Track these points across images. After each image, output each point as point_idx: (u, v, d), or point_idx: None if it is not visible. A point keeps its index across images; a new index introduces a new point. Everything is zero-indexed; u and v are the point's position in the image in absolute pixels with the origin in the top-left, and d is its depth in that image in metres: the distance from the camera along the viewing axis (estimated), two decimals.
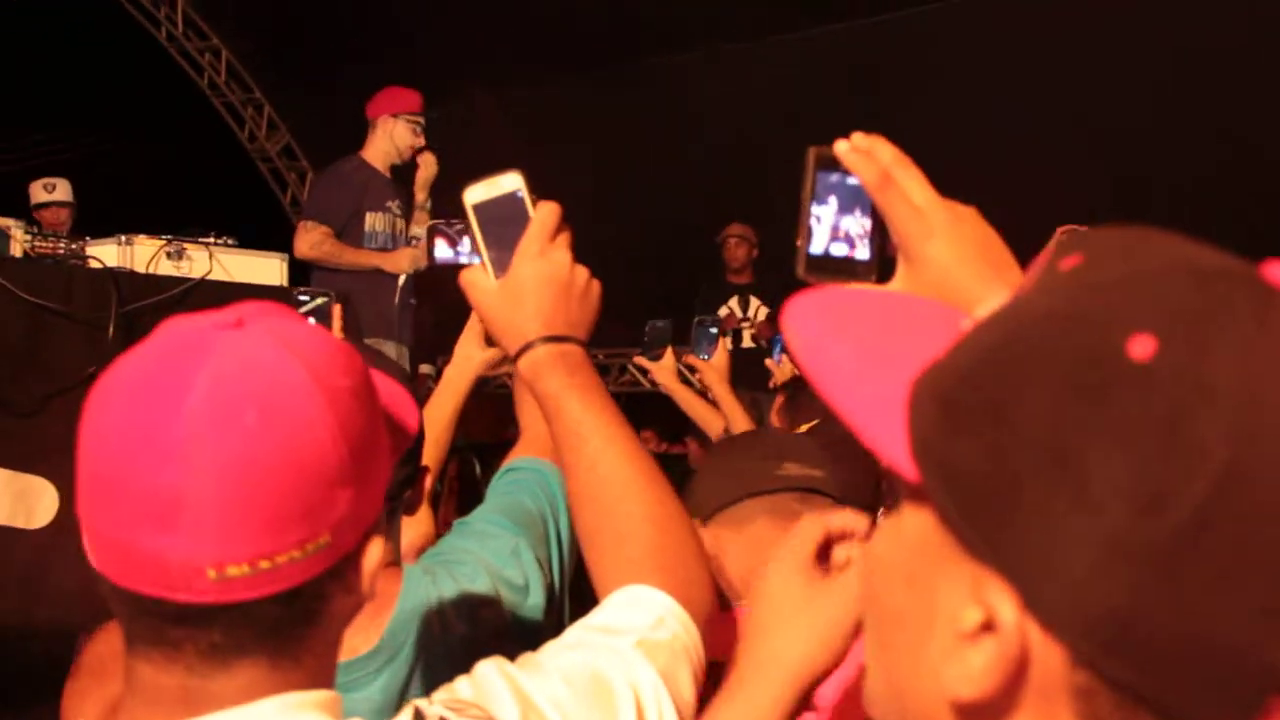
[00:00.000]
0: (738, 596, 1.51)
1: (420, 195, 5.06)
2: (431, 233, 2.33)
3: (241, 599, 0.84)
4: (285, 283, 3.59)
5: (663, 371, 3.70)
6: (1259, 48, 5.58)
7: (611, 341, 7.87)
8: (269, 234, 5.13)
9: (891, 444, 0.58)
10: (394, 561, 1.55)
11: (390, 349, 4.68)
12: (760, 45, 6.70)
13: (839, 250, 0.96)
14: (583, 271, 1.19)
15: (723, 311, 6.50)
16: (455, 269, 1.88)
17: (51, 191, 6.28)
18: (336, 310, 2.29)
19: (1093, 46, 5.95)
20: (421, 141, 4.92)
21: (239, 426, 0.82)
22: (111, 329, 3.02)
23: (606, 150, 7.14)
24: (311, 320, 2.16)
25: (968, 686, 0.55)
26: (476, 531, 1.62)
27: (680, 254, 6.79)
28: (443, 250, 2.23)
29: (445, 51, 7.07)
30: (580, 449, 1.14)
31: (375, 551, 0.92)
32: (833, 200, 0.96)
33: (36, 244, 3.22)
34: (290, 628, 0.88)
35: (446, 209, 4.60)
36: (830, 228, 0.96)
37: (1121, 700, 0.52)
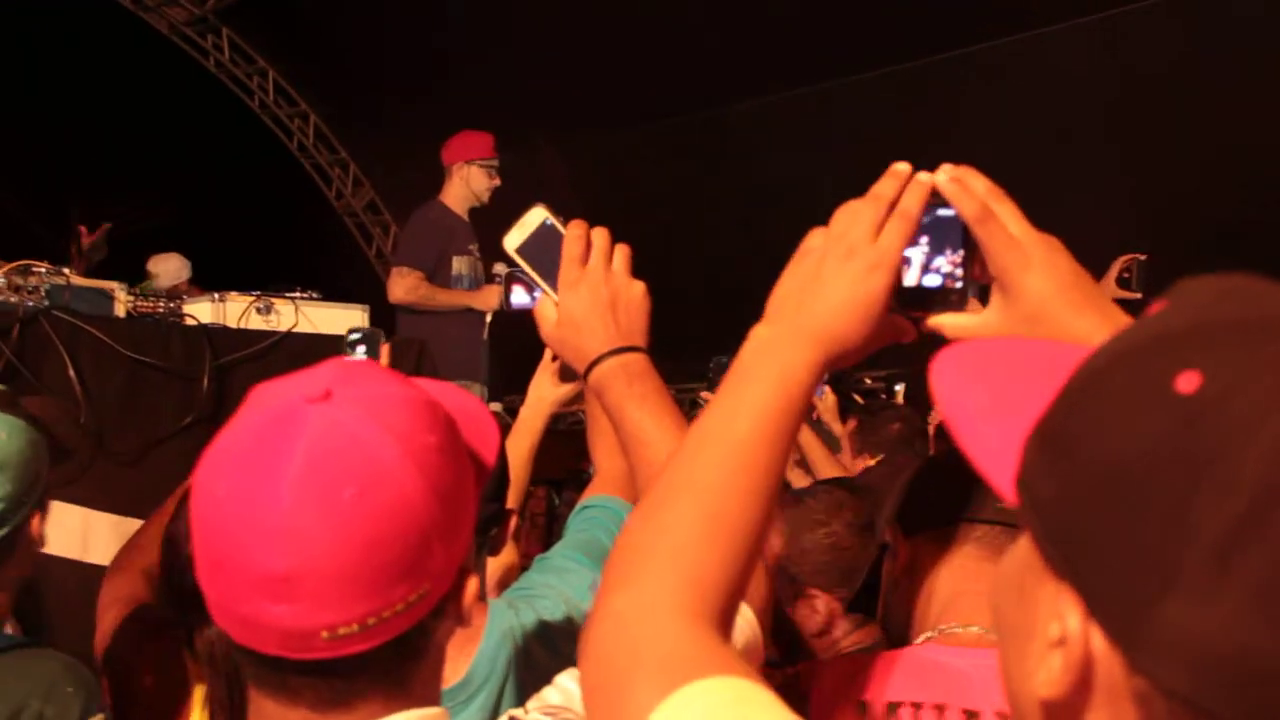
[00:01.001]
0: (938, 621, 1.44)
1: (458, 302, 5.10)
2: (509, 279, 2.45)
3: (354, 652, 0.89)
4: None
5: (828, 411, 3.78)
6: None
7: (679, 378, 7.98)
8: (357, 286, 5.35)
9: (1002, 476, 0.65)
10: (479, 596, 1.64)
11: (475, 390, 4.82)
12: (814, 91, 6.80)
13: (931, 282, 0.99)
14: (622, 280, 1.21)
15: None
16: (531, 314, 2.00)
17: (186, 269, 6.52)
18: (385, 349, 2.40)
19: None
20: (497, 183, 5.02)
21: (339, 504, 0.87)
22: (205, 381, 3.23)
23: (668, 194, 7.28)
24: (361, 351, 2.28)
25: (1047, 688, 0.61)
26: (555, 567, 1.71)
27: (741, 292, 6.86)
28: (519, 296, 2.35)
29: (512, 103, 7.30)
30: (643, 453, 1.15)
31: (473, 585, 0.98)
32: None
33: (138, 304, 3.46)
34: (401, 666, 0.94)
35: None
36: (922, 259, 0.99)
37: (1173, 708, 0.56)
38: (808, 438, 3.68)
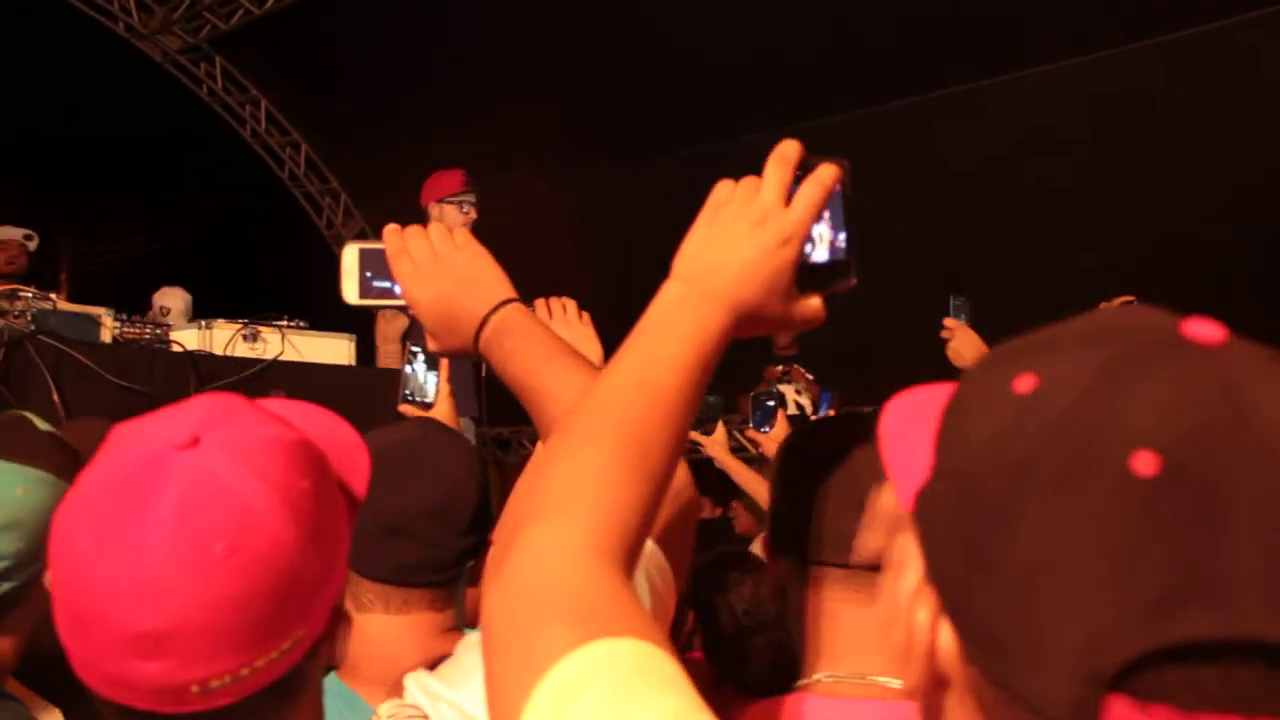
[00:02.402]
0: (808, 668, 1.30)
1: None
2: None
3: (226, 703, 0.87)
4: (353, 361, 3.79)
5: (714, 445, 3.76)
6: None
7: None
8: (345, 315, 5.33)
9: (908, 486, 0.67)
10: (457, 626, 1.62)
11: (466, 424, 4.79)
12: (790, 131, 6.82)
13: (821, 257, 1.00)
14: (446, 248, 1.20)
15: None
16: None
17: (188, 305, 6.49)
18: (445, 389, 2.41)
19: None
20: (473, 216, 5.02)
21: (208, 559, 0.84)
22: None
23: (651, 231, 7.27)
24: (421, 359, 2.27)
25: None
26: None
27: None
28: None
29: (501, 137, 7.32)
30: (532, 406, 1.15)
31: (345, 626, 0.96)
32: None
33: (125, 330, 3.46)
34: (278, 710, 0.92)
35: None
36: (830, 235, 1.01)
37: (999, 695, 0.58)
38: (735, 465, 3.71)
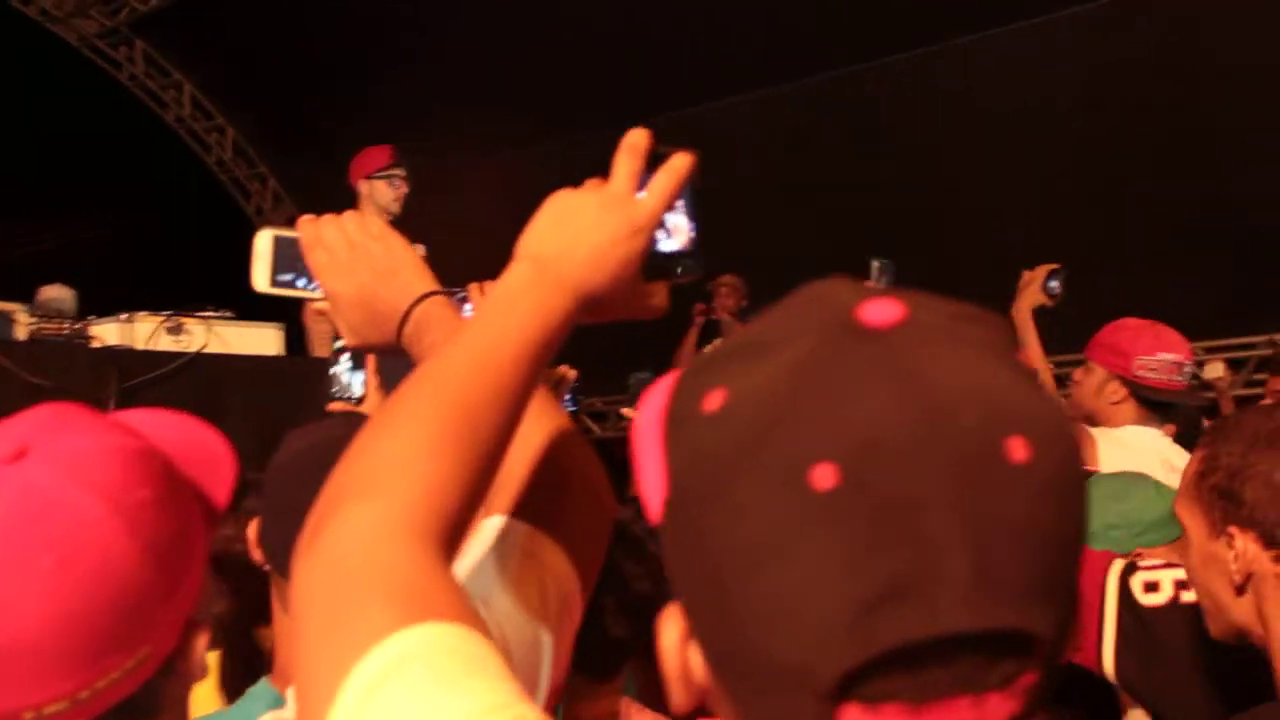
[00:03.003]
0: None
1: None
2: None
3: None
4: (282, 351, 3.70)
5: None
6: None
7: (602, 390, 7.99)
8: (276, 304, 5.22)
9: (655, 500, 0.65)
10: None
11: None
12: (736, 102, 6.83)
13: (670, 247, 1.00)
14: (361, 236, 1.15)
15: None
16: None
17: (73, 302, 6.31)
18: (373, 381, 2.36)
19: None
20: (404, 190, 4.91)
21: (37, 575, 0.80)
22: (113, 405, 3.13)
23: None
24: (347, 362, 2.23)
25: (674, 709, 0.64)
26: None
27: (676, 298, 6.88)
28: None
29: (434, 115, 7.24)
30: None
31: (201, 641, 0.92)
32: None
33: (41, 326, 3.34)
34: None
35: (449, 278, 4.65)
36: (688, 225, 1.01)
37: (745, 714, 0.59)
38: None
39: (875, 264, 2.87)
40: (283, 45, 7.96)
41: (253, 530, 1.68)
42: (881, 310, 0.58)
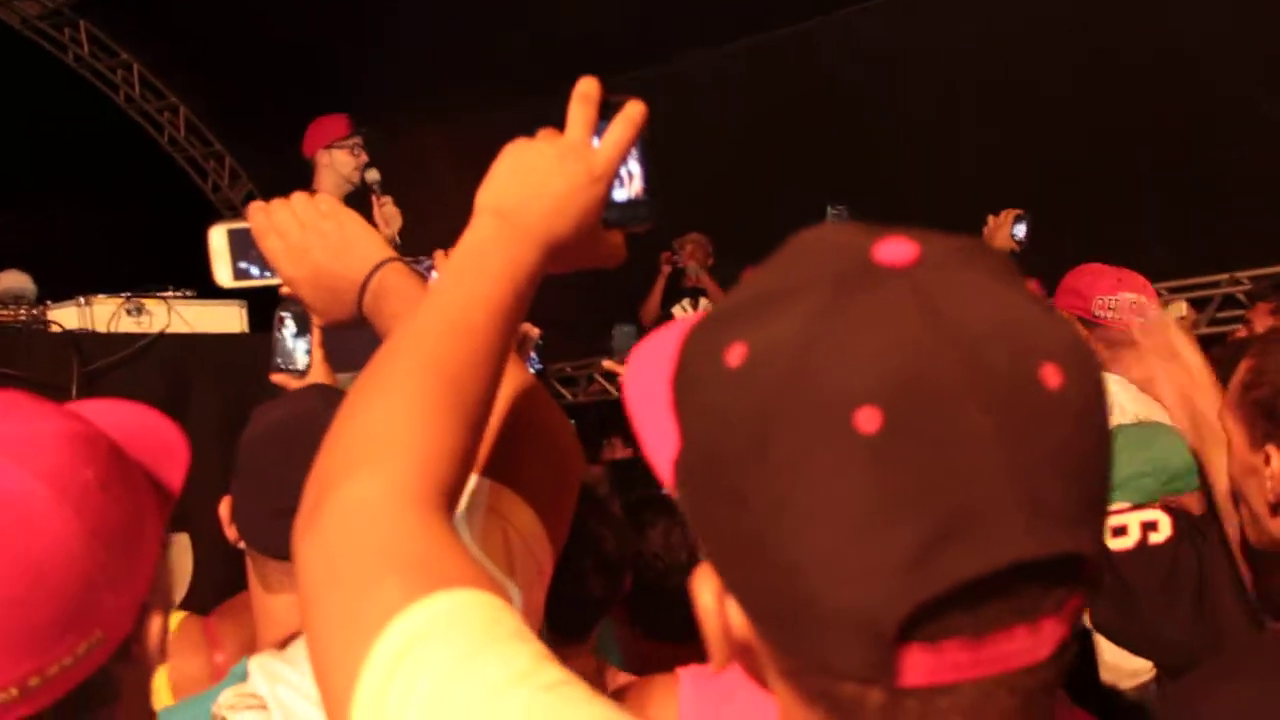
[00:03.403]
0: None
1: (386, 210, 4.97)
2: None
3: (22, 716, 0.81)
4: (245, 329, 3.66)
5: None
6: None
7: (574, 354, 7.98)
8: None
9: (664, 461, 0.66)
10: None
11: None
12: (688, 64, 6.79)
13: (623, 195, 1.00)
14: (312, 216, 1.16)
15: (677, 311, 6.65)
16: None
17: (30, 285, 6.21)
18: (319, 352, 2.32)
19: None
20: (364, 159, 4.89)
21: None
22: (75, 391, 3.09)
23: None
24: (291, 326, 2.20)
25: (713, 665, 0.64)
26: None
27: (638, 262, 6.86)
28: None
29: (390, 83, 7.16)
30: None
31: (156, 625, 0.91)
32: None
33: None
34: (88, 717, 0.86)
35: (412, 248, 4.61)
36: (625, 175, 1.01)
37: (796, 666, 0.59)
38: None
39: (831, 211, 2.87)
40: (230, 20, 7.82)
41: (224, 508, 1.66)
42: (896, 249, 0.58)
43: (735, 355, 0.58)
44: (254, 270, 1.25)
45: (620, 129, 0.97)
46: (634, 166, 1.00)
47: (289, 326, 2.26)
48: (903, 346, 0.55)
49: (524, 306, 0.92)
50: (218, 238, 1.25)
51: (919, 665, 0.54)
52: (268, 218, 1.17)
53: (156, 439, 1.01)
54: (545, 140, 0.97)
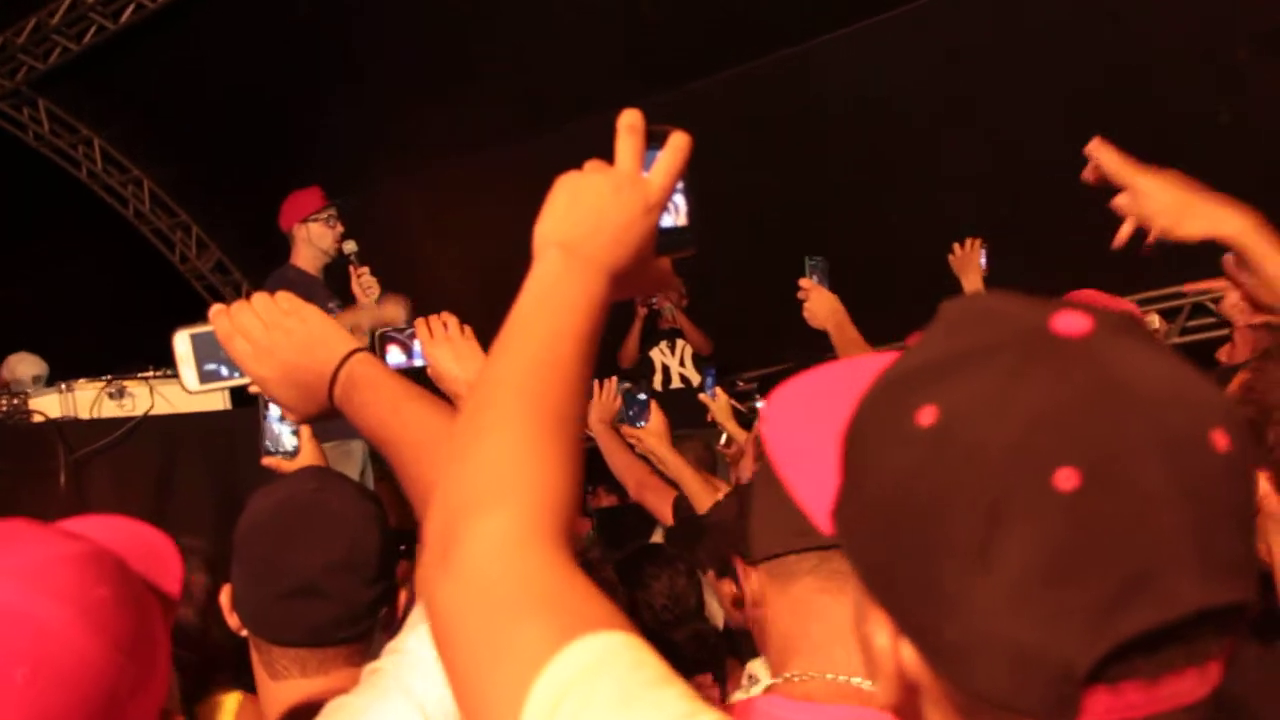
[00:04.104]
0: (780, 665, 1.26)
1: (366, 321, 4.92)
2: (383, 340, 2.41)
3: None
4: (228, 405, 3.65)
5: (652, 437, 3.49)
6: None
7: None
8: None
9: (820, 508, 0.71)
10: None
11: (357, 446, 4.64)
12: (655, 102, 6.84)
13: (669, 223, 1.03)
14: (275, 317, 1.20)
15: (655, 354, 6.70)
16: (410, 373, 1.94)
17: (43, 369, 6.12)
18: (306, 431, 2.32)
19: None
20: (340, 229, 4.90)
21: (11, 689, 0.82)
22: (63, 478, 3.08)
23: (528, 215, 7.23)
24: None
25: (882, 696, 0.69)
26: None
27: (612, 306, 6.87)
28: (395, 356, 2.32)
29: (352, 147, 7.18)
30: (391, 453, 1.16)
31: None
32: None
33: None
34: None
35: (434, 282, 4.60)
36: (684, 203, 1.05)
37: (975, 705, 0.63)
38: (677, 464, 3.42)
39: (809, 262, 2.90)
40: (189, 89, 7.83)
41: (225, 597, 1.65)
42: (1073, 321, 0.64)
43: (927, 416, 0.63)
44: (222, 370, 1.28)
45: (670, 159, 0.99)
46: (676, 196, 1.02)
47: (273, 411, 2.27)
48: (1093, 412, 0.60)
49: (599, 336, 0.94)
50: (182, 343, 1.28)
51: (1098, 705, 0.59)
52: (231, 321, 1.20)
53: (149, 550, 1.05)
54: (597, 172, 0.98)
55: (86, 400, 3.37)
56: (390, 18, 6.89)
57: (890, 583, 0.65)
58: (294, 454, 2.28)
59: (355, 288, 4.72)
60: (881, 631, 0.66)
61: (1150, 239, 1.79)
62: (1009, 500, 0.59)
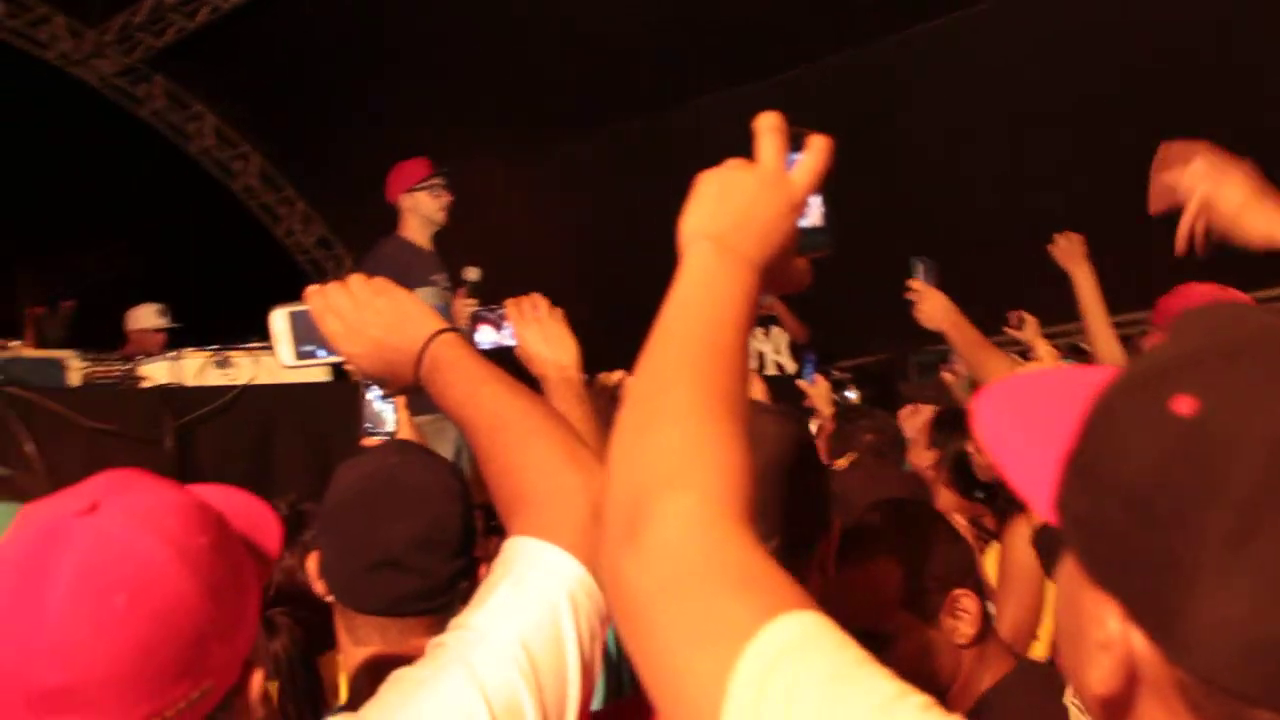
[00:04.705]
0: None
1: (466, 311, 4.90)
2: (474, 319, 2.46)
3: None
4: (330, 378, 3.71)
5: (820, 397, 3.87)
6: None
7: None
8: None
9: (1042, 501, 0.72)
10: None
11: (450, 425, 4.68)
12: (742, 93, 6.83)
13: (807, 223, 1.05)
14: (365, 296, 1.25)
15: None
16: (499, 352, 1.97)
17: (165, 316, 6.42)
18: (401, 403, 2.39)
19: None
20: (447, 199, 4.90)
21: (110, 612, 0.89)
22: (168, 442, 3.19)
23: (616, 204, 7.29)
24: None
25: (1099, 685, 0.68)
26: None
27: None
28: (486, 334, 2.36)
29: (456, 121, 7.26)
30: (473, 438, 1.20)
31: (257, 679, 1.00)
32: None
33: (94, 370, 3.40)
34: None
35: (488, 295, 4.65)
36: (820, 204, 1.07)
37: (1210, 693, 0.63)
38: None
39: (917, 262, 2.88)
40: (297, 66, 8.01)
41: (313, 563, 1.70)
42: None
43: (1185, 405, 0.64)
44: (317, 351, 1.33)
45: (813, 160, 1.01)
46: (813, 197, 1.04)
47: (374, 391, 2.33)
48: None
49: (752, 329, 0.95)
50: (279, 321, 1.33)
51: None
52: (325, 299, 1.26)
53: (251, 514, 1.12)
54: (742, 169, 1.00)
55: (193, 368, 3.47)
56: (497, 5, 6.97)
57: (1128, 568, 0.65)
58: (393, 434, 2.35)
59: (457, 305, 4.71)
60: (1110, 618, 0.66)
61: (1201, 238, 1.71)
62: (1268, 491, 0.60)
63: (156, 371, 3.45)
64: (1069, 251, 3.52)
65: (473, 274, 4.63)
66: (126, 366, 3.46)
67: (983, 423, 0.77)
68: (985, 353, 2.76)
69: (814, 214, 1.06)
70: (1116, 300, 3.44)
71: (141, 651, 0.89)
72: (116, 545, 0.91)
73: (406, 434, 2.34)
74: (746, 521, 0.79)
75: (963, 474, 3.25)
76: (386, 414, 2.35)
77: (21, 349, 3.26)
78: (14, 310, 6.07)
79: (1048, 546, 2.26)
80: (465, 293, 4.55)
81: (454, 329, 1.25)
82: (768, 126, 1.01)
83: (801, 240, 1.02)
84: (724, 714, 0.69)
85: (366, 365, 1.26)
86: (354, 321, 1.25)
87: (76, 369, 3.35)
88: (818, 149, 1.01)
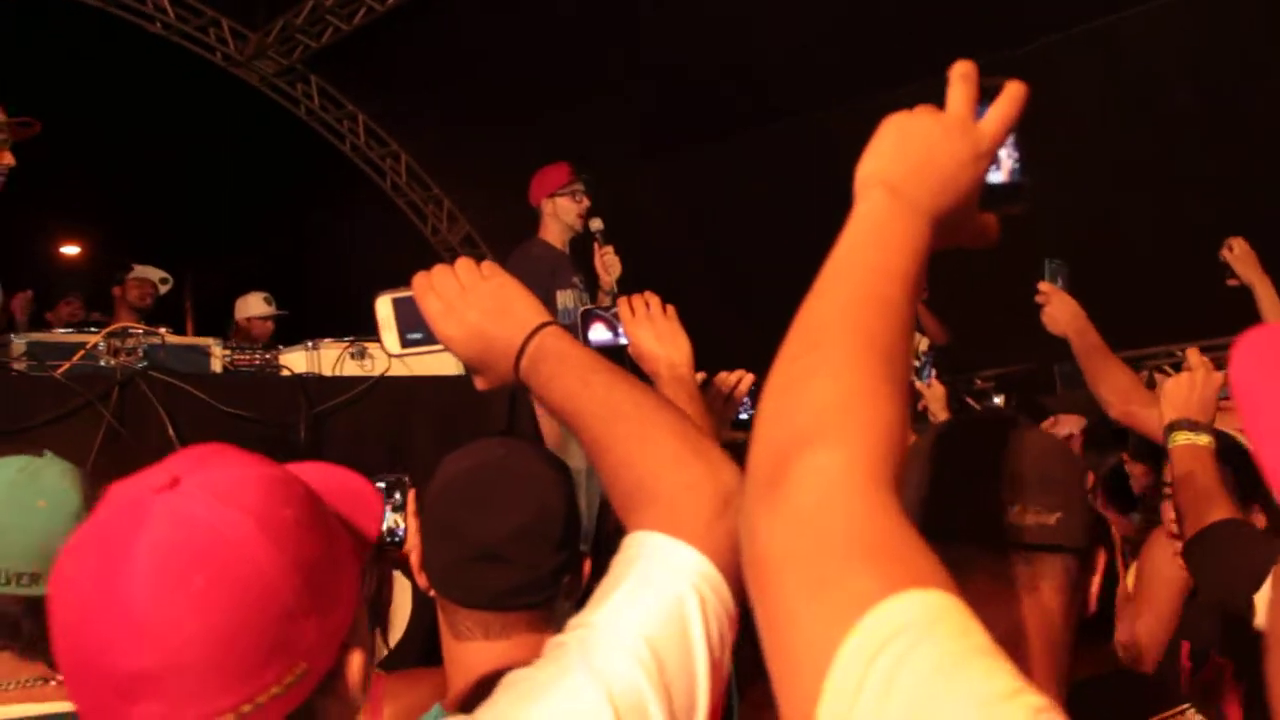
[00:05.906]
0: None
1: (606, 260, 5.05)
2: (587, 317, 2.44)
3: None
4: (463, 371, 3.75)
5: (936, 401, 3.86)
6: None
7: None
8: None
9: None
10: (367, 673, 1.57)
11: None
12: (884, 98, 6.65)
13: (997, 178, 0.98)
14: (472, 280, 1.20)
15: None
16: (611, 351, 1.93)
17: (271, 304, 6.67)
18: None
19: None
20: (586, 204, 4.98)
21: (189, 593, 0.84)
22: (303, 431, 3.26)
23: (764, 204, 7.22)
24: None
25: None
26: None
27: None
28: (599, 333, 2.34)
29: (601, 127, 7.31)
30: (577, 430, 1.15)
31: (356, 661, 0.95)
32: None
33: (236, 358, 3.50)
34: None
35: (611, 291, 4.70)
36: (1010, 157, 1.00)
37: None
38: None
39: (1049, 265, 2.77)
40: (447, 69, 8.17)
41: (415, 556, 1.66)
42: None
43: None
44: (424, 338, 1.28)
45: (1004, 107, 0.95)
46: (1003, 150, 0.97)
47: None
48: None
49: (924, 281, 0.89)
50: (384, 307, 1.31)
51: None
52: (429, 281, 1.21)
53: (351, 492, 1.07)
54: (928, 114, 0.94)
55: (330, 358, 3.54)
56: (643, 11, 6.98)
57: None
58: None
59: (598, 265, 4.82)
60: None
61: None
62: None
63: (295, 360, 3.52)
64: (1243, 257, 3.34)
65: (596, 224, 4.82)
66: (268, 355, 3.54)
67: (1238, 373, 0.67)
68: (1104, 362, 2.64)
69: (1006, 168, 0.99)
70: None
71: (224, 633, 0.85)
72: (194, 522, 0.87)
73: (547, 430, 2.32)
74: (891, 486, 0.75)
75: (1119, 491, 3.12)
76: None
77: (168, 336, 3.36)
78: (179, 301, 6.31)
79: (1200, 562, 2.12)
80: (600, 243, 4.77)
81: (558, 323, 1.20)
82: (958, 74, 0.94)
83: (987, 195, 0.95)
84: (827, 682, 0.66)
85: (462, 351, 1.20)
86: (455, 302, 1.20)
87: (219, 356, 3.44)
88: (1010, 96, 0.94)
